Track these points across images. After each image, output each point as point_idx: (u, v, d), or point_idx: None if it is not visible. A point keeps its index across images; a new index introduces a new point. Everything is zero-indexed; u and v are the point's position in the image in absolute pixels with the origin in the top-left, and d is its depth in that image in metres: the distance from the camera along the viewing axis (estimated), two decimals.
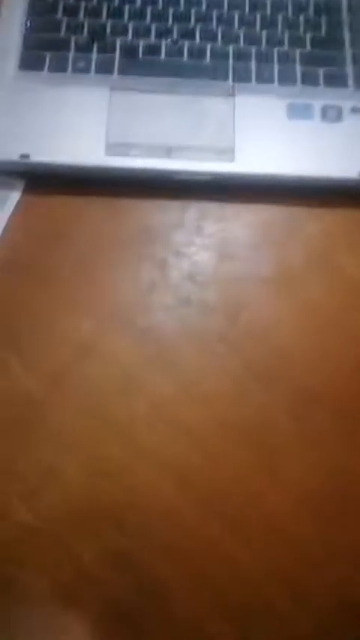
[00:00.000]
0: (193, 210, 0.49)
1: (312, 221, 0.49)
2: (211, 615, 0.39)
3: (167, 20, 0.51)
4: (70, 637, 0.38)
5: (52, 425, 0.43)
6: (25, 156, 0.47)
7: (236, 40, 0.51)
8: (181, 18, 0.52)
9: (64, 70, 0.50)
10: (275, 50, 0.51)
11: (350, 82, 0.51)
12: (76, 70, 0.50)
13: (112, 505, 0.41)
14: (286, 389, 0.44)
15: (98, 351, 0.45)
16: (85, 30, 0.51)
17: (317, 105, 0.50)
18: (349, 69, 0.51)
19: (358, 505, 0.41)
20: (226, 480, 0.42)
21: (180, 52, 0.51)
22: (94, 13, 0.51)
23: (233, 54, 0.51)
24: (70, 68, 0.50)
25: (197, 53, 0.51)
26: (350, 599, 0.39)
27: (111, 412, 0.43)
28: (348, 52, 0.51)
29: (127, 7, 0.52)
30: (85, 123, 0.49)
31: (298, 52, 0.51)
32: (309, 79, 0.51)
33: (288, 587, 0.40)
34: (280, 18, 0.52)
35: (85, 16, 0.51)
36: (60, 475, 0.42)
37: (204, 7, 0.52)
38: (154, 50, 0.51)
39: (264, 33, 0.51)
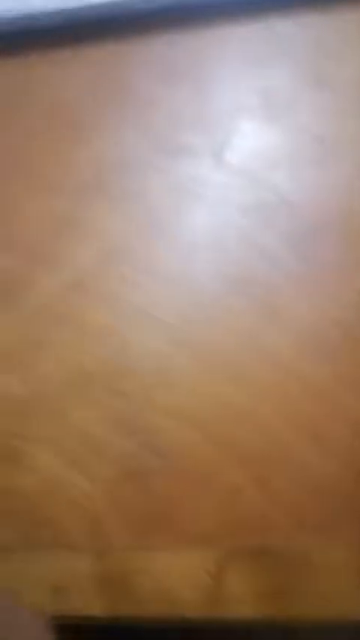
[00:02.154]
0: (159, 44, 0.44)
1: (297, 32, 0.42)
2: (225, 467, 0.38)
3: None
4: (76, 497, 0.38)
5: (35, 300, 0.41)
6: None
7: None
8: None
9: None
10: None
11: None
12: None
13: (104, 370, 0.39)
14: (285, 225, 0.40)
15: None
16: None
17: None
18: None
19: None
20: (223, 329, 0.39)
21: None
22: None
23: None
24: None
25: None
26: None
27: (100, 280, 0.41)
28: None
29: None
30: None
31: None
32: None
33: (304, 429, 0.37)
34: None
35: None
36: (49, 347, 0.40)
37: None
38: None
39: None
